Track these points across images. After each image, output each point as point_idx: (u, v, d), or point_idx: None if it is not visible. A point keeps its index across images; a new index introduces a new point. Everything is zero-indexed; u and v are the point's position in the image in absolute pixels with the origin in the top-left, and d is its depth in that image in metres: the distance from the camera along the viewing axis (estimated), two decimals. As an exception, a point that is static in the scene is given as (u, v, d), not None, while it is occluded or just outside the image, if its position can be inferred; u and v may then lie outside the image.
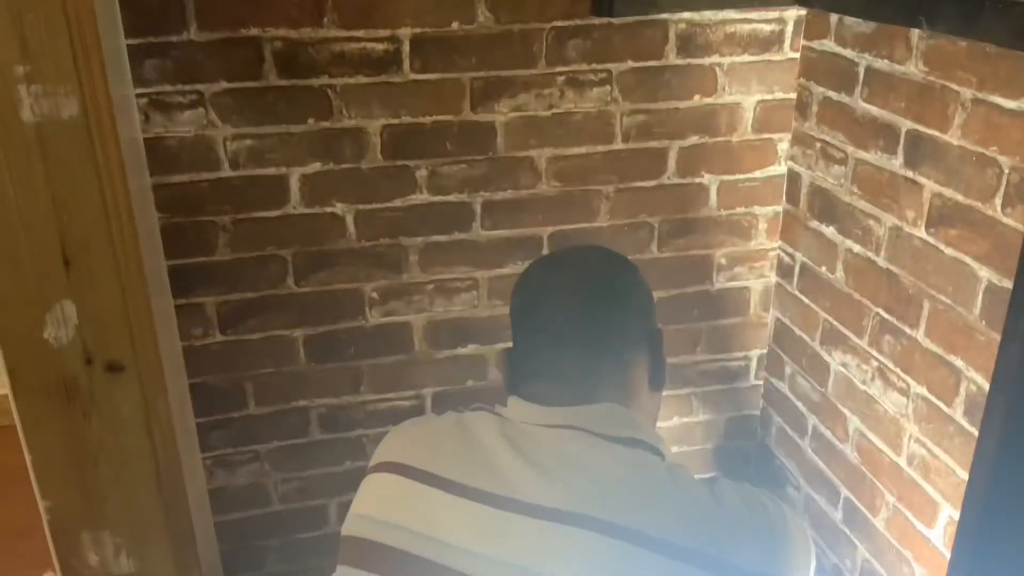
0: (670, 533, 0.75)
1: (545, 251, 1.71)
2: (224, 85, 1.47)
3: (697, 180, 1.73)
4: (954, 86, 1.30)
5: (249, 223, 1.57)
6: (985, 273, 1.29)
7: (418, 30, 1.50)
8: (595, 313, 0.92)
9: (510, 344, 0.98)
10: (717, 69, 1.65)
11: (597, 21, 1.56)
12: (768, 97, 1.70)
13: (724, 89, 1.67)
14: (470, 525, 0.79)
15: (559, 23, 1.55)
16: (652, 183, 1.71)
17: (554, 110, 1.61)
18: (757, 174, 1.76)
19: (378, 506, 0.85)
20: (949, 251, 1.35)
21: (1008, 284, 1.24)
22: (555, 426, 0.85)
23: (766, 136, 1.73)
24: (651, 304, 1.00)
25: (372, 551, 0.82)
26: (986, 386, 1.28)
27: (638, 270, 1.02)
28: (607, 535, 0.75)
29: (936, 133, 1.35)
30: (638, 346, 0.94)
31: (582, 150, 1.65)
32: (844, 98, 1.56)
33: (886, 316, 1.52)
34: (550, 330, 0.92)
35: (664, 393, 1.02)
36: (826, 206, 1.66)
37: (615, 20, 1.56)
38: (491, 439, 0.85)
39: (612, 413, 0.88)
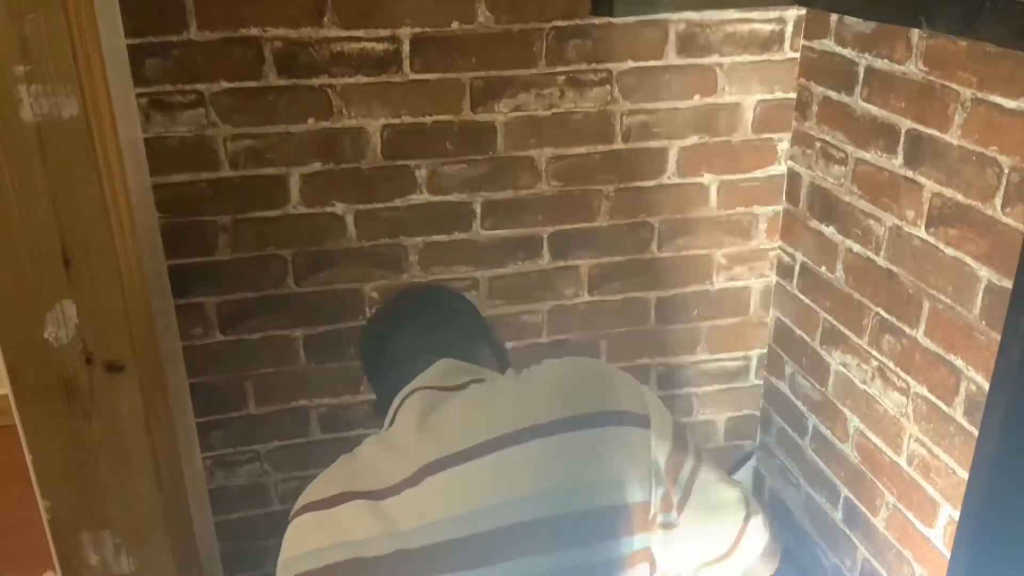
0: (527, 421, 0.83)
1: (545, 251, 1.71)
2: (224, 85, 1.47)
3: (697, 180, 1.73)
4: (954, 86, 1.30)
5: (249, 223, 1.57)
6: (985, 273, 1.29)
7: (418, 30, 1.50)
8: (435, 328, 1.02)
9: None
10: (717, 69, 1.65)
11: (597, 21, 1.56)
12: (768, 97, 1.70)
13: (724, 89, 1.67)
14: (364, 519, 0.84)
15: (559, 23, 1.55)
16: (652, 183, 1.71)
17: (554, 110, 1.61)
18: (757, 174, 1.76)
19: (290, 547, 0.88)
20: (949, 251, 1.35)
21: (1008, 284, 1.24)
22: (397, 407, 0.93)
23: (766, 136, 1.73)
24: (476, 309, 1.10)
25: (375, 566, 0.83)
26: (986, 386, 1.28)
27: (462, 295, 1.14)
28: (475, 458, 0.82)
29: (936, 133, 1.35)
30: (478, 342, 1.04)
31: (582, 150, 1.65)
32: (844, 98, 1.56)
33: (886, 316, 1.52)
34: (399, 351, 1.01)
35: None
36: (826, 206, 1.66)
37: (615, 20, 1.56)
38: (368, 451, 0.92)
39: (443, 367, 0.95)
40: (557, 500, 0.81)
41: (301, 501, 0.90)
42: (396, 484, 0.84)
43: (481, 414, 0.87)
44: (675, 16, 1.59)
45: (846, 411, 1.67)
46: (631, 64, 1.61)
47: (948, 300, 1.37)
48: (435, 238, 1.65)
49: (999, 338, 1.16)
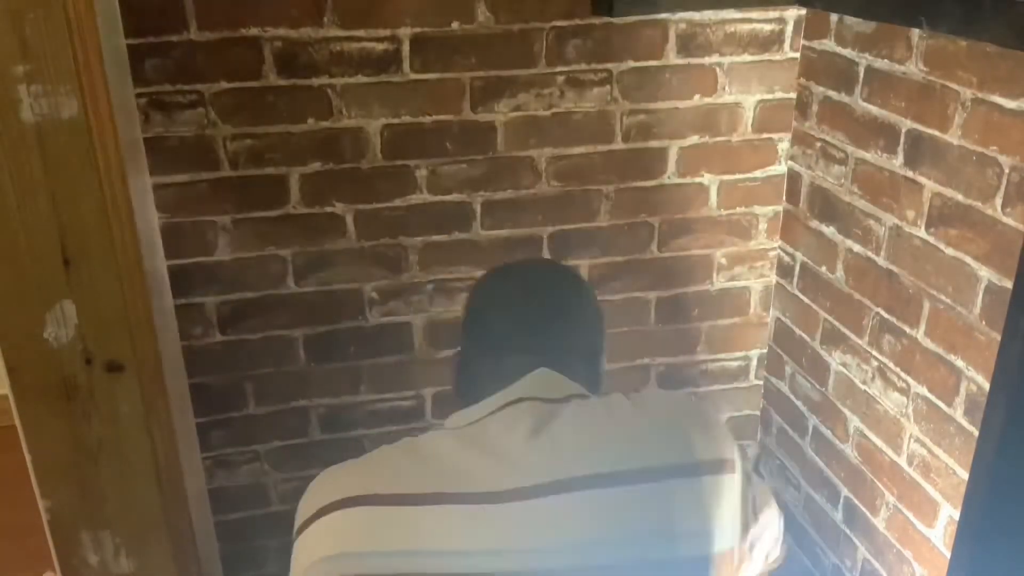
0: (638, 461, 0.81)
1: (545, 251, 1.71)
2: (224, 85, 1.47)
3: (697, 180, 1.73)
4: (954, 86, 1.30)
5: (249, 223, 1.57)
6: (985, 273, 1.29)
7: (418, 30, 1.50)
8: (537, 325, 0.93)
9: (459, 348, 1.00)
10: (717, 69, 1.65)
11: (597, 21, 1.56)
12: (768, 97, 1.70)
13: (724, 89, 1.67)
14: (457, 528, 0.77)
15: (559, 23, 1.55)
16: (652, 183, 1.71)
17: (554, 110, 1.61)
18: (757, 174, 1.76)
19: (346, 542, 0.79)
20: (949, 251, 1.35)
21: (1008, 284, 1.24)
22: (495, 410, 0.86)
23: (766, 136, 1.73)
24: (597, 323, 0.99)
25: None
26: (986, 386, 1.28)
27: (590, 290, 1.02)
28: (589, 488, 0.79)
29: (936, 133, 1.35)
30: (577, 360, 0.95)
31: (582, 150, 1.65)
32: (844, 98, 1.56)
33: (886, 316, 1.52)
34: (493, 337, 0.94)
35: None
36: (826, 206, 1.66)
37: (615, 20, 1.55)
38: (446, 447, 0.84)
39: (544, 378, 0.89)
40: (651, 545, 0.80)
41: (356, 490, 0.81)
42: (502, 492, 0.79)
43: (599, 442, 0.83)
44: (675, 16, 1.59)
45: (846, 411, 1.67)
46: (631, 64, 1.61)
47: (948, 300, 1.37)
48: (435, 238, 1.65)
49: (999, 338, 1.16)
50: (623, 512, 0.79)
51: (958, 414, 1.37)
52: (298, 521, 0.85)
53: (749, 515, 0.85)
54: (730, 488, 0.83)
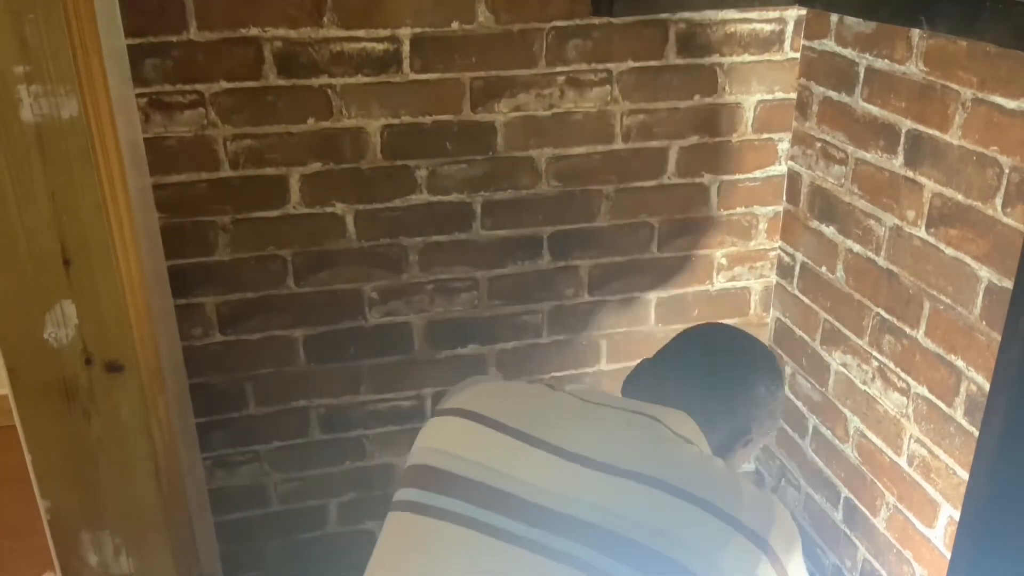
0: (690, 483, 0.88)
1: (545, 251, 1.71)
2: (224, 85, 1.47)
3: (697, 180, 1.73)
4: (954, 86, 1.30)
5: (249, 223, 1.57)
6: (985, 273, 1.29)
7: (418, 30, 1.50)
8: (718, 370, 1.06)
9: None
10: (717, 69, 1.65)
11: (597, 21, 1.56)
12: (768, 97, 1.70)
13: (724, 89, 1.67)
14: (532, 464, 0.92)
15: (559, 23, 1.55)
16: (652, 183, 1.71)
17: (554, 110, 1.61)
18: (757, 174, 1.76)
19: (444, 441, 0.98)
20: (949, 251, 1.35)
21: (1008, 284, 1.24)
22: (625, 409, 0.99)
23: (766, 136, 1.73)
24: (767, 406, 1.08)
25: (438, 477, 0.94)
26: (986, 386, 1.28)
27: (778, 374, 1.12)
28: (640, 483, 0.88)
29: (936, 133, 1.35)
30: (735, 418, 1.05)
31: (582, 150, 1.65)
32: (844, 98, 1.56)
33: (886, 316, 1.52)
34: (673, 358, 1.09)
35: None
36: (826, 206, 1.66)
37: (615, 20, 1.55)
38: (569, 404, 1.00)
39: (681, 418, 0.99)
40: (655, 541, 0.85)
41: (474, 407, 1.01)
42: (573, 454, 0.92)
43: (672, 461, 0.93)
44: (675, 16, 1.59)
45: (846, 411, 1.67)
46: (631, 64, 1.61)
47: (948, 300, 1.37)
48: (435, 238, 1.65)
49: (999, 338, 1.16)
50: (657, 508, 0.87)
51: (958, 414, 1.37)
52: (436, 407, 1.06)
53: None
54: (748, 561, 0.85)
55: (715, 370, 1.06)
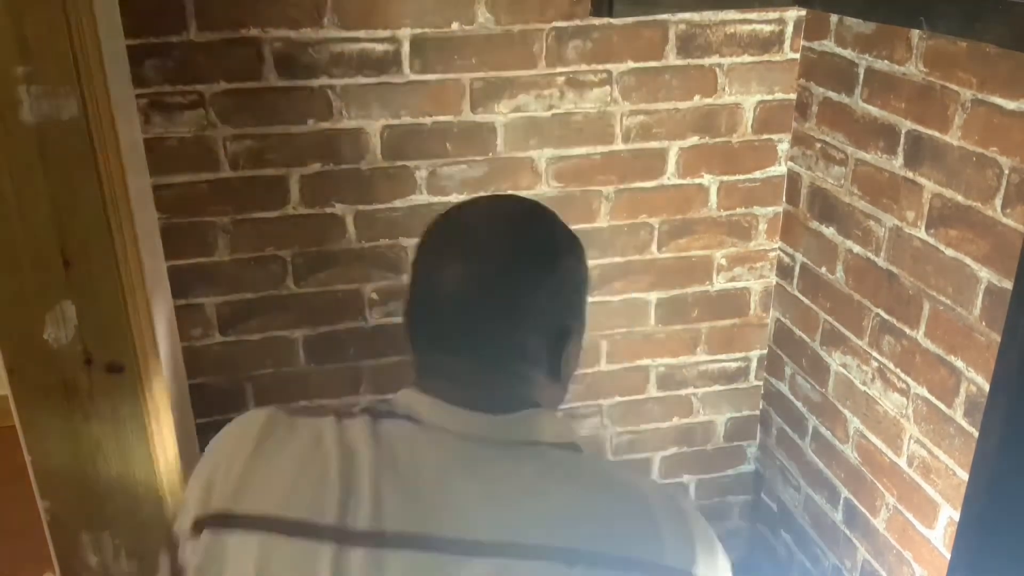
0: (600, 540, 0.69)
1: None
2: (224, 85, 1.47)
3: (697, 180, 1.73)
4: (954, 87, 1.30)
5: (249, 223, 1.57)
6: (985, 274, 1.29)
7: (418, 30, 1.50)
8: (500, 288, 0.77)
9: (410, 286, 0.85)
10: (717, 69, 1.65)
11: (597, 21, 1.56)
12: (768, 97, 1.70)
13: (724, 89, 1.67)
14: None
15: (559, 23, 1.55)
16: (652, 183, 1.71)
17: (554, 111, 1.61)
18: (757, 174, 1.76)
19: None
20: (949, 251, 1.35)
21: (1008, 284, 1.24)
22: (496, 442, 0.74)
23: (766, 136, 1.73)
24: (579, 288, 0.84)
25: None
26: (986, 386, 1.28)
27: (574, 240, 0.86)
28: (548, 560, 0.67)
29: (936, 134, 1.35)
30: (545, 335, 0.80)
31: (582, 150, 1.65)
32: (844, 99, 1.56)
33: (886, 317, 1.52)
34: (442, 303, 0.78)
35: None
36: (826, 206, 1.66)
37: (615, 20, 1.55)
38: (431, 456, 0.72)
39: (547, 420, 0.77)
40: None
41: (237, 490, 0.71)
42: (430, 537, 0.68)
43: (549, 509, 0.70)
44: (675, 17, 1.59)
45: (846, 412, 1.67)
46: (631, 64, 1.61)
47: (948, 301, 1.37)
48: (435, 239, 1.65)
49: (999, 339, 1.16)
50: None
51: (958, 415, 1.37)
52: (203, 514, 0.73)
53: None
54: None
55: (507, 312, 0.78)
